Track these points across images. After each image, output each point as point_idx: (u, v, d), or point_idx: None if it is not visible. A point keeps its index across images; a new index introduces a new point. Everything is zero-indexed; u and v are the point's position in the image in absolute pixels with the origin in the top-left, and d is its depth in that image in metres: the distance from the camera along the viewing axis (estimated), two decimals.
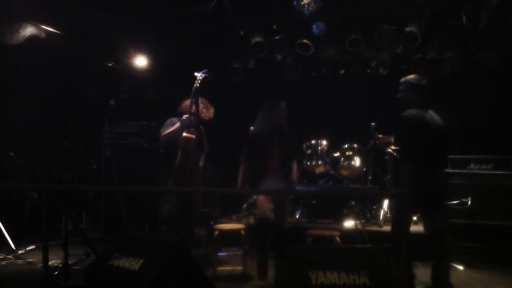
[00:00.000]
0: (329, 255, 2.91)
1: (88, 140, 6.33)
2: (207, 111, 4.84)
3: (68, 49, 6.11)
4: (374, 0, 5.76)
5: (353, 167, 5.87)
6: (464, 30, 5.87)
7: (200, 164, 4.81)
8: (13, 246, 5.18)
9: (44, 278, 3.39)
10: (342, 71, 7.46)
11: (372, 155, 5.79)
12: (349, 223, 5.63)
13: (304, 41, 6.33)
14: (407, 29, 5.84)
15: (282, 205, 4.33)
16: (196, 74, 4.57)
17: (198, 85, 4.52)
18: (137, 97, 7.26)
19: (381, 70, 7.22)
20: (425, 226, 3.89)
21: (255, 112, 4.54)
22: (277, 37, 6.41)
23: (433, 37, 6.34)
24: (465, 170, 5.12)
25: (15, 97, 6.03)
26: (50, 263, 4.15)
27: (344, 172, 5.99)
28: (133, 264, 3.10)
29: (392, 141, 5.70)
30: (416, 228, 5.69)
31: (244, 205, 6.31)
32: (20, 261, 4.89)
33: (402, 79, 3.90)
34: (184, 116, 4.60)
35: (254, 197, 4.90)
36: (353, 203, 5.77)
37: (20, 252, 5.14)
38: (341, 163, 5.95)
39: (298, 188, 4.37)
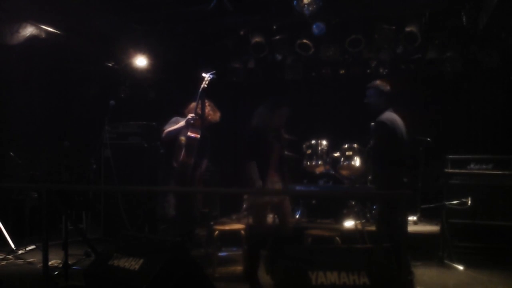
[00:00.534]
0: (329, 255, 2.91)
1: (88, 140, 6.33)
2: (213, 114, 4.84)
3: (68, 49, 6.12)
4: (374, 0, 5.76)
5: (353, 167, 5.86)
6: (464, 30, 5.88)
7: (202, 167, 4.81)
8: (13, 246, 5.18)
9: (44, 278, 3.38)
10: (342, 71, 7.46)
11: (372, 155, 5.78)
12: (349, 223, 5.63)
13: (304, 41, 6.33)
14: (407, 29, 5.84)
15: (284, 208, 4.24)
16: (204, 74, 4.58)
17: (205, 85, 4.54)
18: (137, 97, 7.26)
19: (381, 70, 7.22)
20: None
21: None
22: (277, 37, 6.41)
23: (433, 37, 6.34)
24: (465, 170, 5.11)
25: (15, 97, 6.04)
26: (50, 263, 4.14)
27: (344, 172, 5.99)
28: (133, 264, 3.10)
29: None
30: (416, 228, 5.73)
31: (244, 205, 6.30)
32: (20, 261, 4.89)
33: (370, 84, 4.20)
34: (190, 115, 4.60)
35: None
36: (353, 203, 5.77)
37: (20, 252, 5.14)
38: (341, 163, 5.94)
39: (298, 188, 4.33)
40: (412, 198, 5.99)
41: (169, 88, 7.25)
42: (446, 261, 4.72)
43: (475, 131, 6.90)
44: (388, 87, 4.16)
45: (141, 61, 6.68)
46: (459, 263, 4.63)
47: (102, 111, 5.74)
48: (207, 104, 4.66)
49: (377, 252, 2.94)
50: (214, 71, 4.64)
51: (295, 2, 5.27)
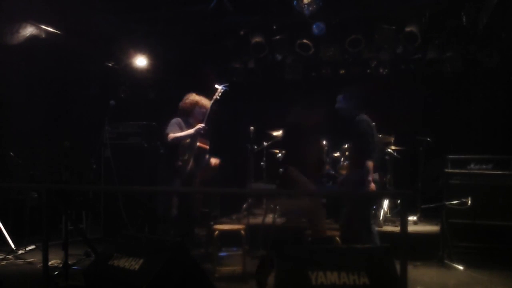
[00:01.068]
0: (329, 255, 2.91)
1: (88, 140, 6.33)
2: (213, 169, 5.03)
3: (68, 49, 6.11)
4: (374, 0, 5.76)
5: None
6: (464, 30, 5.88)
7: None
8: (13, 246, 5.17)
9: (44, 278, 3.38)
10: (342, 71, 7.47)
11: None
12: None
13: (304, 41, 6.33)
14: (407, 29, 5.84)
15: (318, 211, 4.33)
16: (217, 86, 4.67)
17: (218, 97, 4.66)
18: (137, 97, 7.26)
19: (381, 70, 7.23)
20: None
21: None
22: (277, 37, 6.41)
23: (433, 37, 6.34)
24: (465, 170, 5.12)
25: (15, 97, 6.03)
26: (50, 263, 4.15)
27: (344, 172, 5.98)
28: (133, 264, 3.10)
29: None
30: (416, 228, 5.72)
31: (244, 205, 6.31)
32: (20, 261, 4.89)
33: (345, 89, 4.40)
34: (200, 125, 4.67)
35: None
36: None
37: (20, 252, 5.14)
38: (341, 163, 5.95)
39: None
40: (412, 198, 6.00)
41: (169, 88, 7.24)
42: (446, 261, 4.72)
43: (475, 131, 6.90)
44: (359, 92, 4.34)
45: (141, 61, 6.68)
46: (459, 263, 4.63)
47: (102, 111, 5.74)
48: (212, 163, 4.88)
49: (377, 252, 2.94)
50: (227, 84, 4.76)
51: (295, 2, 5.27)
